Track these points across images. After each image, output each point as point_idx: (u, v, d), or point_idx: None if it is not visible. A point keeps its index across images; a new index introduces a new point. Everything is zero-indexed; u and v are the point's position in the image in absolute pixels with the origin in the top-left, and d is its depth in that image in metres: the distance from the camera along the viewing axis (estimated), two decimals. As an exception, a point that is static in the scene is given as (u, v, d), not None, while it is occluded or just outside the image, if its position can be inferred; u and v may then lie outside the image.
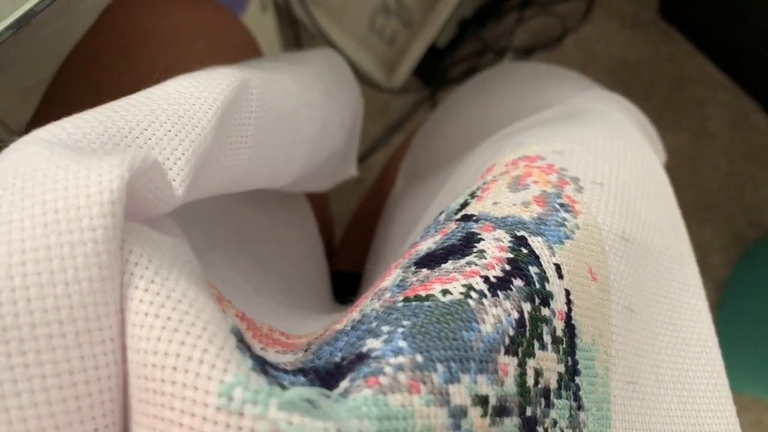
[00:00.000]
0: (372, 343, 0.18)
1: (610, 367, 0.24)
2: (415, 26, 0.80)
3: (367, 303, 0.22)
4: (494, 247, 0.22)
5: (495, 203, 0.25)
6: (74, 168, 0.16)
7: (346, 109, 0.39)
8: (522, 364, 0.20)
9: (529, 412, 0.20)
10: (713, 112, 0.95)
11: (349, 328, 0.21)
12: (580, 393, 0.22)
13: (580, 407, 0.22)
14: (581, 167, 0.27)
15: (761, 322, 0.79)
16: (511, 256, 0.22)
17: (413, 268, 0.22)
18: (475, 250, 0.22)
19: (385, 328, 0.19)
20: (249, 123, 0.26)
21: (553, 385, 0.21)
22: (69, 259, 0.15)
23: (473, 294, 0.20)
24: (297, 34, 0.88)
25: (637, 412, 0.24)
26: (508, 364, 0.20)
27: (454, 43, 0.87)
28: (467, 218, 0.24)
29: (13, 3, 0.25)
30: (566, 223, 0.24)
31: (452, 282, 0.20)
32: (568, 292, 0.23)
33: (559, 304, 0.22)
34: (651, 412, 0.24)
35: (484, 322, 0.20)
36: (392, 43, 0.84)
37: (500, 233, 0.23)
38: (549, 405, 0.21)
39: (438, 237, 0.24)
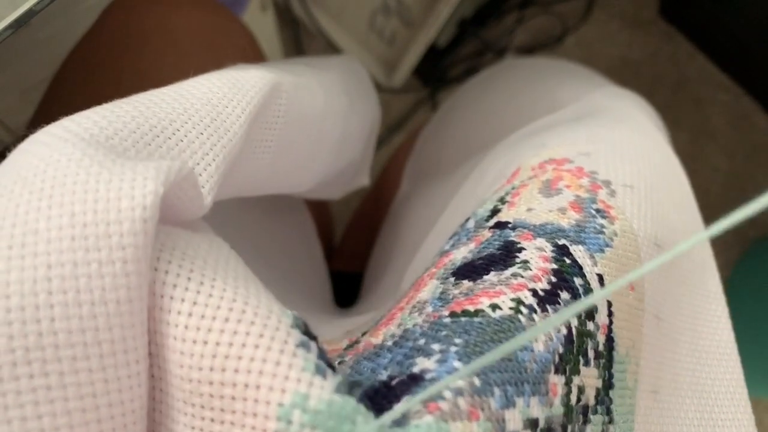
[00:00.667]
0: (424, 363, 0.18)
1: (638, 378, 0.23)
2: (415, 26, 0.80)
3: (406, 316, 0.21)
4: (538, 257, 0.21)
5: (529, 209, 0.24)
6: (106, 177, 0.15)
7: (366, 119, 0.39)
8: (568, 382, 0.20)
9: (569, 431, 0.19)
10: (714, 111, 0.95)
11: (390, 344, 0.20)
12: (612, 406, 0.22)
13: (611, 421, 0.22)
14: (610, 170, 0.26)
15: (761, 322, 0.79)
16: (555, 266, 0.21)
17: (452, 279, 0.22)
18: (517, 260, 0.21)
19: (436, 347, 0.18)
20: (275, 127, 0.25)
21: (591, 401, 0.21)
22: (96, 278, 0.14)
23: (523, 309, 0.19)
24: (297, 34, 0.88)
25: (657, 422, 0.23)
26: (557, 383, 0.19)
27: (454, 43, 0.86)
28: (502, 226, 0.24)
29: (13, 3, 0.25)
30: (604, 230, 0.23)
31: (500, 296, 0.20)
32: (609, 304, 0.22)
33: (602, 317, 0.22)
34: (669, 421, 0.24)
35: (536, 340, 0.19)
36: (392, 42, 0.84)
37: (541, 242, 0.22)
38: (586, 422, 0.20)
39: (472, 245, 0.23)
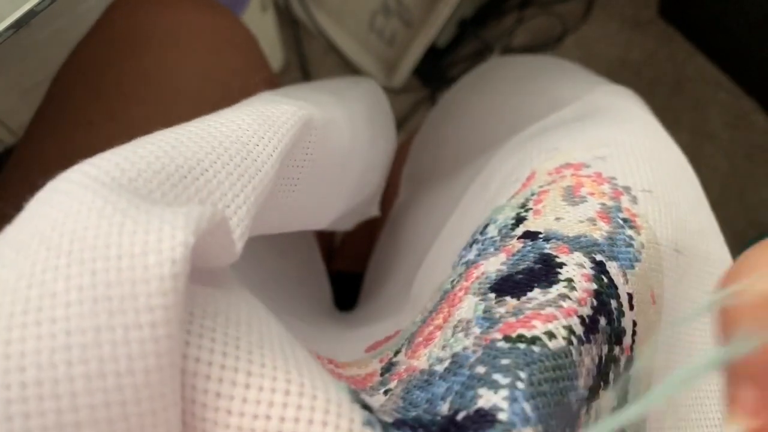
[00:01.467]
0: (490, 397, 0.17)
1: (651, 386, 0.23)
2: (415, 26, 0.80)
3: (449, 337, 0.20)
4: (580, 276, 0.21)
5: (558, 219, 0.24)
6: (130, 228, 0.14)
7: (387, 148, 0.38)
8: (589, 409, 0.20)
9: None
10: (713, 111, 0.95)
11: (441, 370, 0.19)
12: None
13: None
14: (628, 174, 0.26)
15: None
16: (596, 287, 0.21)
17: (492, 296, 0.21)
18: (561, 277, 0.21)
19: (500, 379, 0.17)
20: (303, 165, 0.24)
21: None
22: (122, 345, 0.13)
23: (574, 340, 0.19)
24: (297, 34, 0.88)
25: (672, 426, 0.23)
26: (582, 414, 0.19)
27: (454, 43, 0.87)
28: (533, 236, 0.23)
29: (13, 3, 0.25)
30: (633, 242, 0.23)
31: (553, 321, 0.19)
32: (634, 323, 0.22)
33: (627, 339, 0.21)
34: (685, 425, 0.23)
35: (579, 377, 0.19)
36: (392, 42, 0.84)
37: (579, 257, 0.22)
38: None
39: (503, 257, 0.23)
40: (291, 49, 0.88)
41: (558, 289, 0.20)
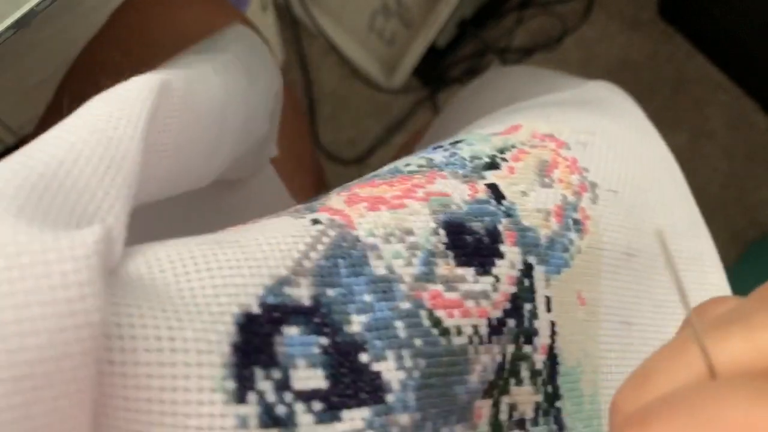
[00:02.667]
0: (389, 369, 0.18)
1: (599, 383, 0.24)
2: (415, 26, 0.80)
3: (395, 234, 0.20)
4: (506, 278, 0.22)
5: (524, 193, 0.24)
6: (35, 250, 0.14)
7: (268, 92, 0.36)
8: (496, 404, 0.20)
9: None
10: (713, 112, 0.95)
11: (373, 272, 0.20)
12: (562, 415, 0.22)
13: (561, 428, 0.22)
14: (601, 169, 0.26)
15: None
16: (515, 290, 0.22)
17: (443, 238, 0.21)
18: (493, 270, 0.21)
19: (405, 359, 0.19)
20: (170, 129, 0.23)
21: (529, 414, 0.21)
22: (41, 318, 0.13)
23: (475, 340, 0.20)
24: (297, 34, 0.88)
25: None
26: (482, 407, 0.20)
27: (454, 44, 0.87)
28: (498, 195, 0.23)
29: (14, 3, 0.25)
30: (570, 247, 0.24)
31: (466, 318, 0.20)
32: (553, 324, 0.23)
33: (543, 338, 0.22)
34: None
35: (472, 373, 0.20)
36: (392, 43, 0.84)
37: (515, 255, 0.22)
38: None
39: (466, 192, 0.23)
40: (291, 49, 0.88)
41: (485, 283, 0.21)
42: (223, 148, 0.29)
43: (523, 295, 0.22)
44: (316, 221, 0.20)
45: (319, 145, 0.87)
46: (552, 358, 0.22)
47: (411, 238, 0.21)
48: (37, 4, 0.25)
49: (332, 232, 0.20)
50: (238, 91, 0.30)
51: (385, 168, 0.25)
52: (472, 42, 0.89)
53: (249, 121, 0.32)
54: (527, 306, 0.22)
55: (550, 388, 0.22)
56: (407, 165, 0.24)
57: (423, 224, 0.21)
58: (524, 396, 0.21)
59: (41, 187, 0.16)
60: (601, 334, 0.24)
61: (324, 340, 0.18)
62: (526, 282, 0.22)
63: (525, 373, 0.21)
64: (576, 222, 0.24)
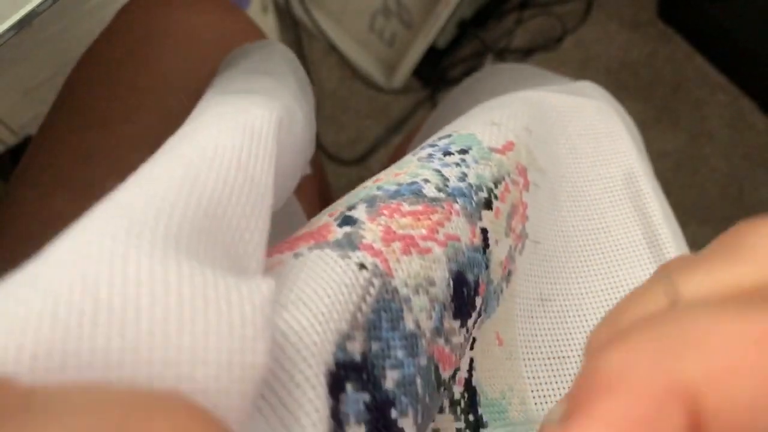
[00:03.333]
0: (407, 422, 0.20)
1: (529, 409, 0.26)
2: (415, 27, 0.80)
3: (427, 273, 0.22)
4: (462, 337, 0.23)
5: (496, 242, 0.25)
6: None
7: (311, 104, 0.37)
8: (421, 429, 0.21)
9: None
10: (712, 112, 0.95)
11: (411, 326, 0.21)
12: None
13: None
14: (535, 219, 0.28)
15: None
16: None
17: (451, 291, 0.22)
18: (469, 318, 0.23)
19: (408, 404, 0.20)
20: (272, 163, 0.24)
21: None
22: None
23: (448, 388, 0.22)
24: (297, 35, 0.88)
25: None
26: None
27: (454, 44, 0.87)
28: (486, 241, 0.24)
29: (15, 4, 0.25)
30: (500, 296, 0.26)
31: (451, 368, 0.22)
32: (472, 360, 0.24)
33: (462, 373, 0.24)
34: None
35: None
36: (392, 43, 0.84)
37: (479, 305, 0.24)
38: None
39: (469, 234, 0.24)
40: (291, 50, 0.89)
41: (461, 335, 0.22)
42: (298, 171, 0.30)
43: (471, 344, 0.24)
44: (362, 266, 0.20)
45: (319, 145, 0.87)
46: (470, 390, 0.24)
47: (432, 290, 0.21)
48: (39, 5, 0.26)
49: (377, 282, 0.20)
50: (306, 113, 0.31)
51: (407, 179, 0.24)
52: (471, 42, 0.89)
53: (312, 142, 0.33)
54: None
55: (471, 417, 0.24)
56: (426, 182, 0.24)
57: (441, 274, 0.21)
58: (446, 423, 0.23)
59: (203, 223, 0.17)
60: (524, 370, 0.26)
61: (367, 397, 0.18)
62: (476, 331, 0.24)
63: (446, 402, 0.23)
64: (510, 273, 0.26)
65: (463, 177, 0.25)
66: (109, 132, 0.32)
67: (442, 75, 0.88)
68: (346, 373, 0.17)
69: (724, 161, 0.94)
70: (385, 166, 0.61)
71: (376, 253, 0.20)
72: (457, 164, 0.25)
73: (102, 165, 0.31)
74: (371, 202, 0.23)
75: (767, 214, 0.13)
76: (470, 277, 0.23)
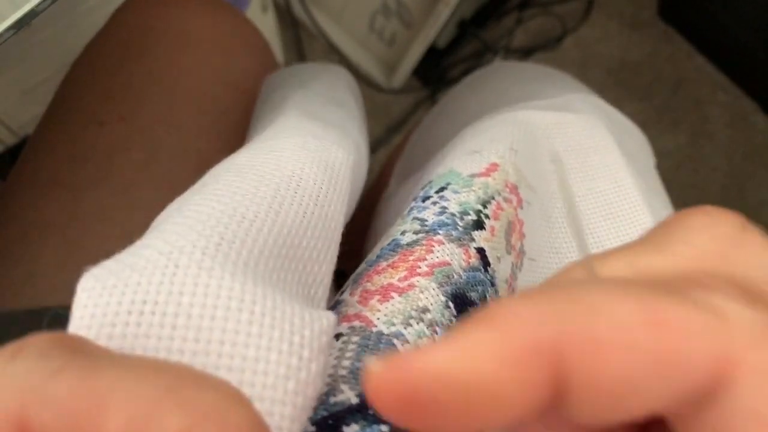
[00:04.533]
0: None
1: None
2: (415, 27, 0.80)
3: (410, 317, 0.21)
4: None
5: (499, 260, 0.25)
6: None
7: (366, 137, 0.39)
8: None
9: None
10: (712, 112, 0.95)
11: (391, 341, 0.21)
12: None
13: None
14: (530, 236, 0.28)
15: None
16: None
17: (452, 312, 0.22)
18: None
19: None
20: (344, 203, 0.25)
21: None
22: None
23: None
24: (297, 35, 0.88)
25: None
26: None
27: (454, 44, 0.87)
28: (485, 261, 0.24)
29: (14, 4, 0.25)
30: None
31: None
32: None
33: None
34: None
35: None
36: (392, 43, 0.84)
37: None
38: None
39: (463, 258, 0.23)
40: (291, 50, 0.88)
41: None
42: (356, 199, 0.31)
43: None
44: (338, 336, 0.21)
45: (319, 145, 0.87)
46: None
47: (428, 316, 0.21)
48: (38, 5, 0.25)
49: (355, 338, 0.20)
50: (366, 147, 0.32)
51: (386, 243, 0.25)
52: (471, 42, 0.89)
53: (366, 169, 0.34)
54: None
55: None
56: (403, 233, 0.25)
57: (435, 299, 0.22)
58: None
59: (278, 258, 0.18)
60: None
61: (385, 428, 0.18)
62: None
63: None
64: (514, 290, 0.26)
65: (443, 211, 0.25)
66: (105, 132, 0.32)
67: (442, 75, 0.88)
68: (339, 420, 0.18)
69: (724, 161, 0.94)
70: (385, 165, 0.61)
71: (353, 317, 0.21)
72: (435, 202, 0.26)
73: (97, 165, 0.31)
74: (356, 278, 0.24)
75: (719, 206, 0.13)
76: (474, 296, 0.22)
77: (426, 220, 0.25)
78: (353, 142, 0.26)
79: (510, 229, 0.26)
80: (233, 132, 0.34)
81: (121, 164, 0.31)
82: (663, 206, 0.34)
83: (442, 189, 0.26)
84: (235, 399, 0.10)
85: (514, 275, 0.26)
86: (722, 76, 0.96)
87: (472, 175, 0.27)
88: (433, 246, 0.24)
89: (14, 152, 0.54)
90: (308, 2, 0.83)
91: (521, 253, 0.27)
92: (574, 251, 0.30)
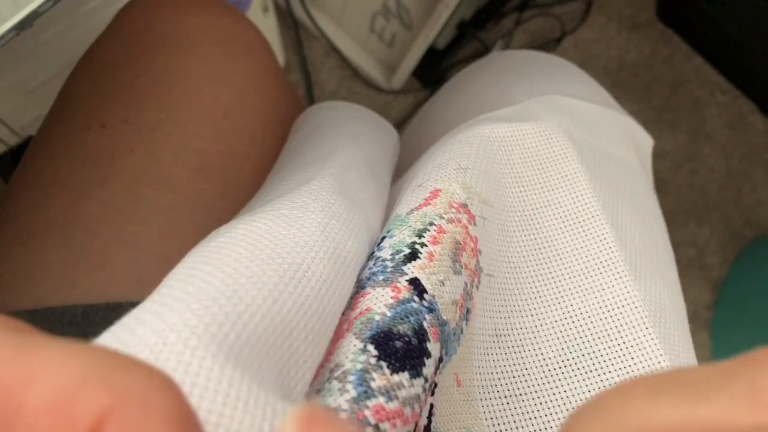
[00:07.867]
0: None
1: None
2: (415, 28, 0.80)
3: (325, 382, 0.21)
4: (431, 376, 0.23)
5: (441, 283, 0.24)
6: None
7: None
8: None
9: None
10: (711, 112, 0.96)
11: None
12: None
13: None
14: (487, 251, 0.27)
15: (757, 321, 0.80)
16: (417, 393, 0.22)
17: (373, 353, 0.21)
18: (423, 371, 0.22)
19: None
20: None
21: None
22: None
23: None
24: (297, 36, 0.88)
25: None
26: None
27: (454, 45, 0.87)
28: (420, 291, 0.24)
29: (16, 5, 0.25)
30: (461, 336, 0.25)
31: (406, 425, 0.21)
32: (432, 406, 0.24)
33: (422, 420, 0.23)
34: None
35: None
36: (392, 44, 0.85)
37: (437, 351, 0.23)
38: None
39: (389, 295, 0.23)
40: (292, 51, 0.89)
41: (417, 386, 0.22)
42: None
43: (427, 389, 0.23)
44: None
45: (319, 145, 0.87)
46: None
47: (342, 369, 0.21)
48: (40, 6, 0.26)
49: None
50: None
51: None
52: (471, 43, 0.89)
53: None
54: (416, 406, 0.22)
55: None
56: (348, 303, 0.25)
57: (350, 349, 0.22)
58: None
59: (267, 346, 0.19)
60: (482, 411, 0.26)
61: None
62: (430, 379, 0.23)
63: None
64: (468, 311, 0.26)
65: (376, 261, 0.25)
66: (107, 134, 0.32)
67: (441, 75, 0.89)
68: None
69: (723, 161, 0.94)
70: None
71: None
72: (373, 255, 0.26)
73: (100, 166, 0.31)
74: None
75: None
76: (403, 328, 0.22)
77: (360, 279, 0.25)
78: (370, 230, 0.27)
79: (457, 249, 0.26)
80: (235, 133, 0.35)
81: (123, 166, 0.31)
82: (646, 207, 0.34)
83: (383, 239, 0.26)
84: (163, 383, 0.11)
85: (467, 295, 0.26)
86: (720, 77, 0.96)
87: (411, 211, 0.27)
88: (358, 301, 0.24)
89: (16, 153, 0.54)
90: (309, 3, 0.84)
91: (477, 271, 0.27)
92: (531, 265, 0.29)
